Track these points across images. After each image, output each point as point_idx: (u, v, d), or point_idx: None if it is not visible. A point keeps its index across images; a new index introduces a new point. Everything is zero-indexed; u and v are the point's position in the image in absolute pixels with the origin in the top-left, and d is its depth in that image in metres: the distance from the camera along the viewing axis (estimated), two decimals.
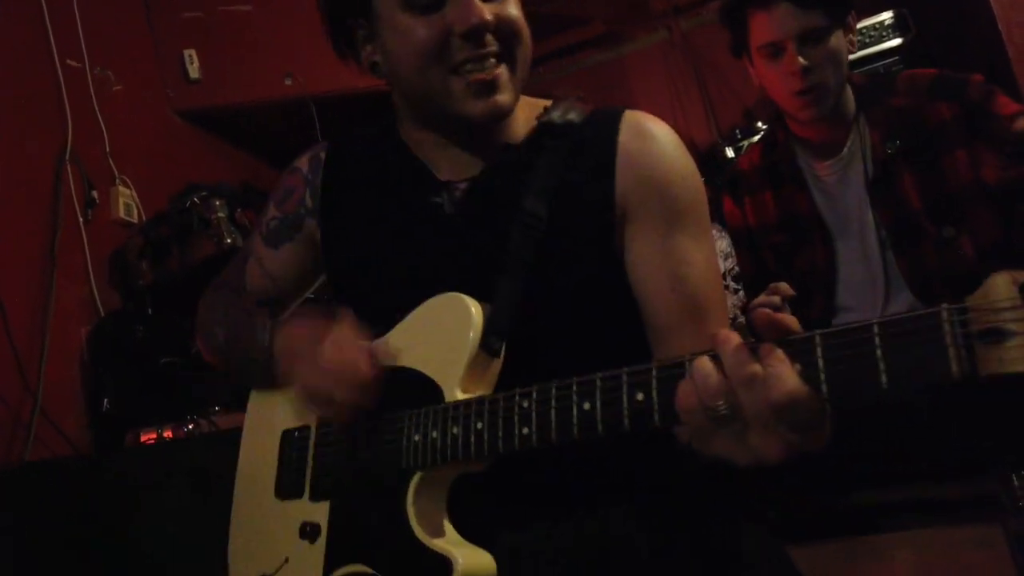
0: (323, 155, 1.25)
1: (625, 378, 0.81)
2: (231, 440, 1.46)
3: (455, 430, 0.94)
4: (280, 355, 1.11)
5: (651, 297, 1.05)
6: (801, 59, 1.65)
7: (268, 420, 1.21)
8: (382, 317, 1.08)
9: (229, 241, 2.30)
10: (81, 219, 2.40)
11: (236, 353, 1.22)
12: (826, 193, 1.80)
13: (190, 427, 1.86)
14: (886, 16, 2.75)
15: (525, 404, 0.88)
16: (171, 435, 1.84)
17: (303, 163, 1.26)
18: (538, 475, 0.98)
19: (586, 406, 0.83)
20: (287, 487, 1.14)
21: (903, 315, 0.65)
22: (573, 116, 1.12)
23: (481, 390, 0.98)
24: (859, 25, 2.77)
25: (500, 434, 0.90)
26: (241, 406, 1.95)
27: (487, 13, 1.01)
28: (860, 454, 1.35)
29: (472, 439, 0.92)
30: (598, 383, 0.83)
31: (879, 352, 0.65)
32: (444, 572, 0.91)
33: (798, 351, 0.70)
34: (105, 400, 2.13)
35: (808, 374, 0.69)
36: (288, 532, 1.10)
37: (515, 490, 0.99)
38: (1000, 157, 1.63)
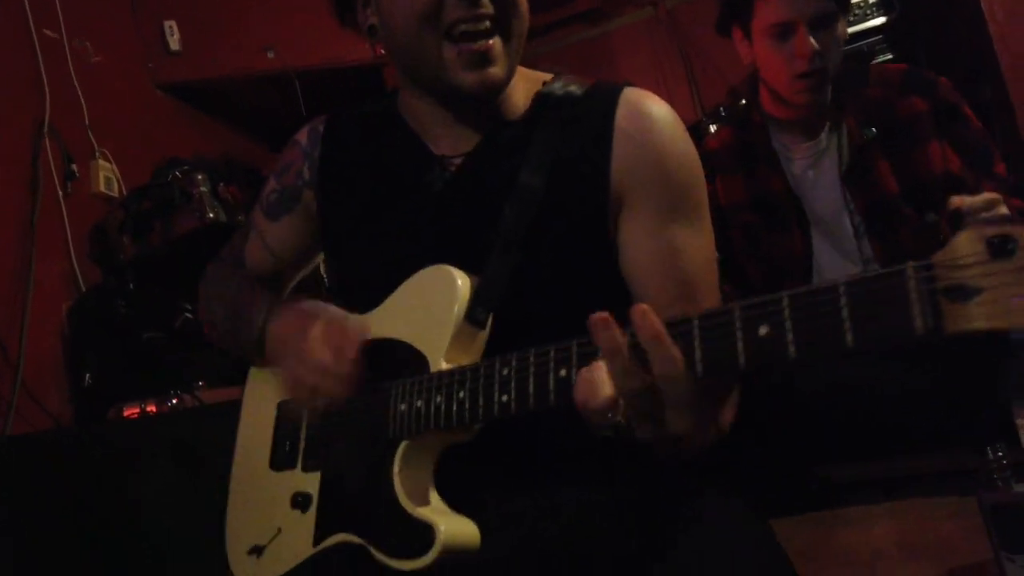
0: (322, 128, 1.24)
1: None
2: (215, 414, 1.46)
3: (438, 399, 0.94)
4: (271, 341, 1.12)
5: (643, 279, 1.04)
6: (813, 42, 1.64)
7: (265, 393, 1.22)
8: (374, 291, 1.08)
9: (211, 215, 2.28)
10: (61, 193, 2.37)
11: (233, 331, 1.23)
12: (800, 178, 1.80)
13: (174, 402, 1.85)
14: None
15: (505, 372, 0.88)
16: (154, 410, 1.84)
17: (302, 136, 1.26)
18: (524, 445, 0.98)
19: (562, 372, 0.83)
20: (281, 458, 1.16)
21: (869, 275, 0.64)
22: (574, 88, 1.10)
23: (466, 360, 0.98)
24: None
25: (481, 402, 0.90)
26: (225, 382, 1.95)
27: None
28: (839, 433, 1.38)
29: (455, 408, 0.92)
30: (574, 349, 0.83)
31: (845, 312, 0.64)
32: (428, 540, 0.92)
33: (768, 312, 0.69)
34: (87, 375, 2.12)
35: (775, 335, 0.68)
36: (281, 503, 1.11)
37: (503, 460, 1.00)
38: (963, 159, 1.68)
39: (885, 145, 1.72)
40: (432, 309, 1.00)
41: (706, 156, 1.92)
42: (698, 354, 0.73)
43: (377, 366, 1.04)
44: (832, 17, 1.67)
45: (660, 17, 3.68)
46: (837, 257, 1.77)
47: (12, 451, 1.84)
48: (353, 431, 1.06)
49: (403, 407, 0.98)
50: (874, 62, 1.96)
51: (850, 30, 2.74)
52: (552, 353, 0.85)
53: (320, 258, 1.32)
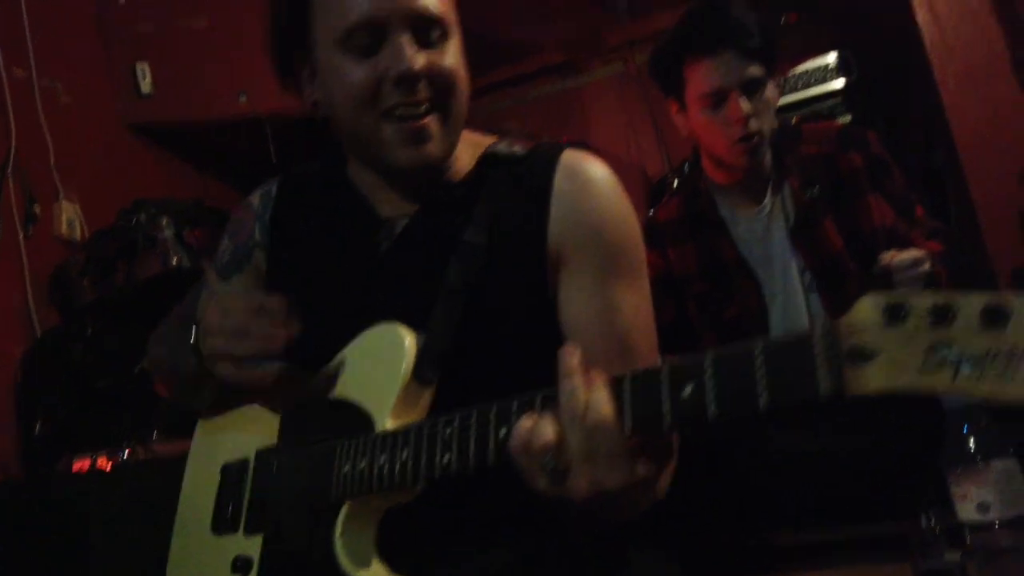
0: (274, 190, 1.27)
1: (539, 403, 0.82)
2: (168, 468, 1.43)
3: (382, 459, 0.93)
4: (200, 331, 1.08)
5: (581, 337, 1.05)
6: (745, 106, 1.69)
7: (210, 454, 1.21)
8: (321, 351, 1.08)
9: (175, 261, 2.27)
10: (21, 234, 2.34)
11: (172, 358, 1.20)
12: (749, 241, 1.84)
13: (127, 453, 1.82)
14: (830, 58, 2.85)
15: (447, 431, 0.88)
16: (106, 462, 1.80)
17: (255, 198, 1.28)
18: (466, 507, 0.99)
19: (502, 432, 0.83)
20: (223, 522, 1.13)
21: (783, 337, 0.68)
22: (516, 150, 1.14)
23: (412, 418, 0.98)
24: (804, 67, 2.87)
25: (423, 462, 0.89)
26: (179, 432, 1.91)
27: (419, 61, 1.02)
28: (774, 499, 1.39)
29: (397, 468, 0.92)
30: (514, 408, 0.83)
31: (760, 373, 0.67)
32: None
33: (693, 372, 0.72)
34: (38, 423, 2.07)
35: (698, 395, 0.71)
36: (222, 567, 1.09)
37: (445, 523, 1.00)
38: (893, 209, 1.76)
39: (829, 201, 1.77)
40: (379, 367, 1.00)
41: (656, 227, 1.96)
42: (627, 410, 0.75)
43: (323, 426, 1.03)
44: (761, 81, 1.72)
45: (630, 72, 3.77)
46: (788, 315, 1.80)
47: None
48: (296, 492, 1.04)
49: (347, 468, 0.97)
50: (806, 124, 2.03)
51: (810, 92, 2.85)
52: (493, 412, 0.85)
53: None
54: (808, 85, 2.85)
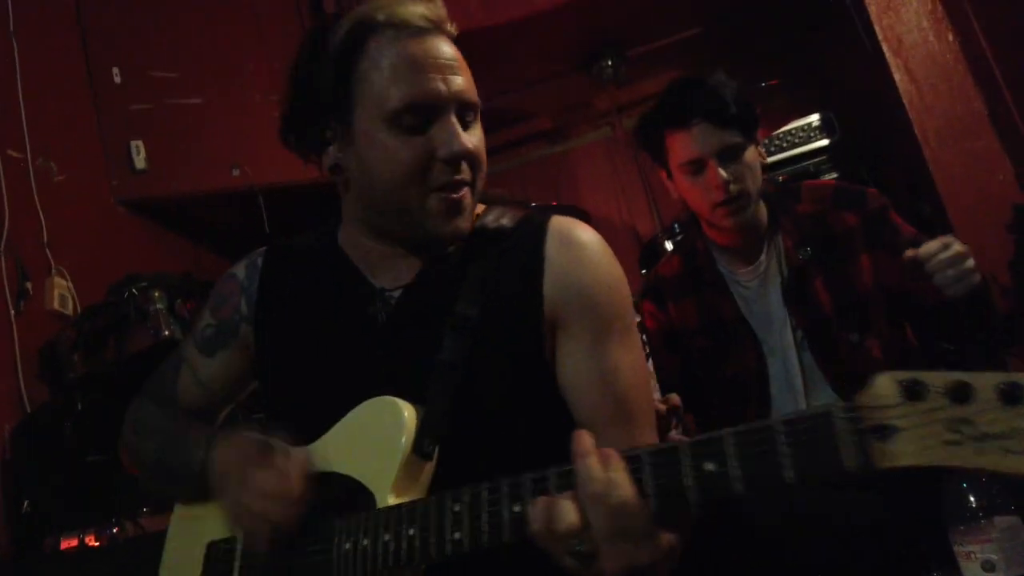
0: (260, 261, 1.26)
1: (552, 479, 0.80)
2: (157, 544, 1.39)
3: (386, 537, 0.91)
4: (213, 471, 1.08)
5: (581, 402, 1.06)
6: (723, 173, 1.72)
7: (193, 530, 1.17)
8: (315, 424, 1.07)
9: (167, 333, 2.25)
10: (12, 311, 2.34)
11: (166, 466, 1.19)
12: (748, 298, 1.85)
13: (115, 531, 1.77)
14: (814, 118, 2.91)
15: (456, 508, 0.86)
16: (94, 540, 1.75)
17: (240, 269, 1.27)
18: None
19: (516, 508, 0.82)
20: None
21: (799, 416, 0.69)
22: (505, 221, 1.15)
23: (414, 494, 0.96)
24: (788, 126, 2.94)
25: (432, 540, 0.87)
26: (168, 508, 1.87)
27: (467, 143, 1.06)
28: (782, 560, 1.35)
29: (404, 546, 0.89)
30: (528, 484, 0.82)
31: (784, 450, 0.69)
32: None
33: (710, 451, 0.72)
34: (26, 501, 2.03)
35: (718, 471, 0.71)
36: None
37: None
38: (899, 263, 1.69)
39: (821, 263, 1.77)
40: (377, 441, 0.98)
41: (659, 283, 1.98)
42: (651, 488, 0.75)
43: (319, 502, 1.00)
44: (739, 148, 1.75)
45: (618, 136, 3.84)
46: (783, 372, 1.79)
47: None
48: (292, 572, 1.00)
49: (348, 546, 0.95)
50: (807, 181, 2.03)
51: (796, 151, 2.90)
52: (505, 488, 0.83)
53: (250, 389, 1.30)
54: (794, 145, 2.90)
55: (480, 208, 1.18)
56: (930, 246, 1.48)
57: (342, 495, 0.99)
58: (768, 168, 1.93)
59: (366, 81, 1.06)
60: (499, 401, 1.06)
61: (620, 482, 0.75)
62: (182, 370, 1.27)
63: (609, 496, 0.75)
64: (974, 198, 2.37)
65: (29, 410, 2.25)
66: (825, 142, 2.87)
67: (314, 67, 1.10)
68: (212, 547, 1.13)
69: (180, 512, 1.22)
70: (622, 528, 0.75)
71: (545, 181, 4.05)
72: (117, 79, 3.01)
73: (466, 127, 1.08)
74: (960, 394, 0.61)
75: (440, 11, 1.11)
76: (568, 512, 0.76)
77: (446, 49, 1.08)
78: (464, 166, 1.07)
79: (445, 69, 1.06)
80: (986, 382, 0.61)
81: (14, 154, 2.53)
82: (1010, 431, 0.59)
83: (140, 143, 2.97)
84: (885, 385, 0.65)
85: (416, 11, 1.08)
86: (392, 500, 0.94)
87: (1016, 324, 2.10)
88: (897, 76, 2.47)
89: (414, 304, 1.12)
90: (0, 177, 2.44)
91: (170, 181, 2.99)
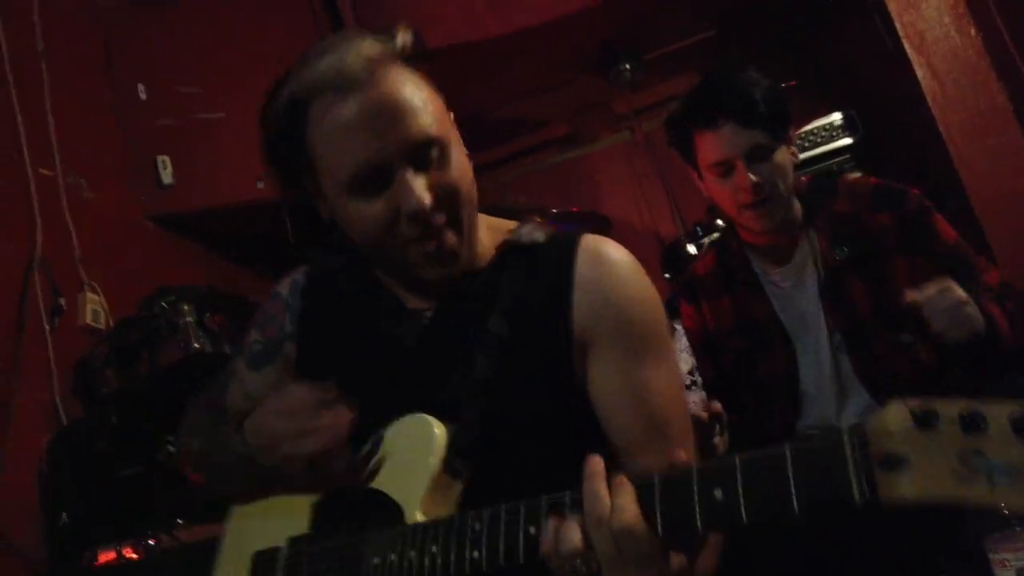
0: (302, 280, 1.28)
1: (568, 501, 0.81)
2: (196, 554, 1.42)
3: (411, 553, 0.93)
4: (250, 425, 1.10)
5: (614, 421, 1.06)
6: (751, 175, 1.70)
7: (242, 540, 1.20)
8: (351, 441, 1.07)
9: (197, 346, 2.29)
10: (47, 327, 2.38)
11: (217, 462, 1.21)
12: (782, 298, 1.83)
13: (151, 543, 1.80)
14: (836, 117, 2.90)
15: (477, 527, 0.88)
16: (131, 552, 1.78)
17: (284, 287, 1.29)
18: None
19: (531, 530, 0.82)
20: None
21: (811, 441, 0.67)
22: (537, 236, 1.15)
23: (444, 511, 0.98)
24: (810, 126, 2.92)
25: (452, 558, 0.89)
26: (203, 519, 1.90)
27: (427, 197, 1.01)
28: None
29: (427, 563, 0.91)
30: (543, 505, 0.83)
31: (791, 480, 0.67)
32: None
33: (722, 475, 0.72)
34: (63, 514, 2.06)
35: (725, 500, 0.71)
36: None
37: None
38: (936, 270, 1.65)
39: (857, 264, 1.75)
40: (409, 458, 1.01)
41: (692, 282, 1.97)
42: (658, 513, 0.75)
43: (354, 515, 1.03)
44: (768, 148, 1.72)
45: (637, 140, 3.83)
46: (818, 374, 1.78)
47: None
48: None
49: (376, 561, 0.97)
50: (845, 176, 2.00)
51: (819, 150, 2.88)
52: (523, 509, 0.84)
53: None
54: (816, 144, 2.89)
55: (511, 224, 1.18)
56: (928, 291, 1.46)
57: (374, 509, 1.01)
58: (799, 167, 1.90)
59: (316, 152, 1.04)
60: (529, 419, 1.06)
61: (625, 507, 0.75)
62: (232, 383, 1.30)
63: (613, 521, 0.75)
64: (999, 193, 2.35)
65: (65, 424, 2.29)
66: (848, 140, 2.86)
67: (271, 135, 1.10)
68: (257, 557, 1.15)
69: (233, 518, 1.25)
70: (626, 552, 0.75)
71: (564, 186, 4.05)
72: (142, 95, 3.06)
73: (428, 166, 1.03)
74: (973, 423, 0.58)
75: (377, 47, 1.03)
76: (573, 533, 0.77)
77: (384, 98, 1.01)
78: (433, 215, 1.03)
79: (383, 123, 1.00)
80: (1000, 411, 0.58)
81: (45, 172, 2.58)
82: (1021, 464, 0.56)
83: (166, 158, 3.01)
84: (896, 413, 0.62)
85: (347, 62, 1.01)
86: (420, 517, 0.96)
87: None
88: (919, 73, 2.46)
89: (446, 323, 1.13)
90: (32, 195, 2.48)
91: (196, 195, 3.03)
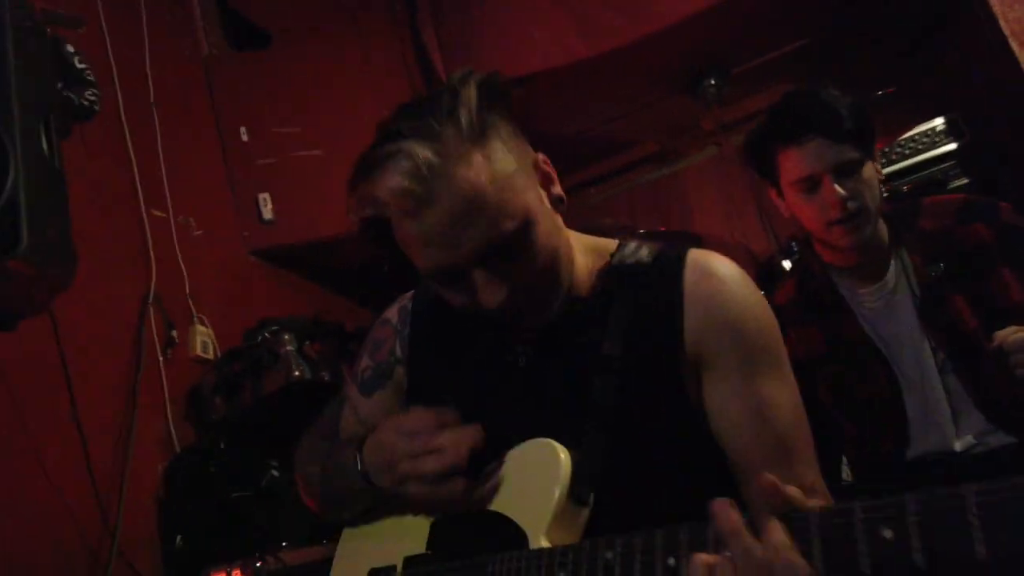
0: (410, 306, 1.30)
1: (710, 536, 0.77)
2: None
3: None
4: (367, 449, 1.12)
5: (735, 442, 1.03)
6: (840, 190, 1.64)
7: (355, 560, 1.21)
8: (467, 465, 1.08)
9: (297, 374, 2.38)
10: (161, 358, 2.52)
11: (331, 487, 1.24)
12: (872, 319, 1.75)
13: (259, 564, 1.86)
14: (938, 122, 2.76)
15: (608, 555, 0.85)
16: (240, 574, 1.85)
17: (393, 314, 1.32)
18: None
19: (671, 561, 0.79)
20: None
21: (1000, 483, 0.62)
22: (641, 256, 1.13)
23: (568, 538, 0.96)
24: (911, 132, 2.79)
25: None
26: (307, 542, 1.96)
27: (499, 298, 1.00)
28: None
29: None
30: (683, 537, 0.79)
31: (975, 522, 0.61)
32: None
33: (890, 516, 0.66)
34: (178, 537, 2.17)
35: (900, 543, 0.65)
36: None
37: None
38: None
39: (954, 279, 1.66)
40: (534, 484, 1.00)
41: (776, 311, 1.89)
42: (817, 555, 0.70)
43: (473, 538, 1.03)
44: (856, 163, 1.66)
45: (725, 155, 3.77)
46: (923, 397, 1.68)
47: None
48: None
49: None
50: (926, 197, 1.89)
51: (920, 157, 2.75)
52: (659, 539, 0.81)
53: None
54: (917, 152, 2.75)
55: (611, 246, 1.17)
56: (1017, 339, 1.42)
57: (496, 533, 1.00)
58: (887, 181, 1.82)
59: (408, 252, 1.06)
60: (650, 443, 1.04)
61: (784, 553, 0.70)
62: (344, 409, 1.33)
63: (773, 570, 0.70)
64: None
65: (178, 450, 2.42)
66: (953, 146, 2.70)
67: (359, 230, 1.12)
68: (373, 574, 1.16)
69: (345, 541, 1.27)
70: None
71: (655, 205, 4.01)
72: (244, 137, 3.24)
73: (502, 262, 1.00)
74: None
75: (427, 152, 0.96)
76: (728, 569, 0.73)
77: (448, 208, 0.96)
78: (508, 308, 1.02)
79: (451, 236, 0.98)
80: None
81: (158, 214, 2.75)
82: None
83: (267, 195, 3.16)
84: None
85: (402, 184, 0.97)
86: (545, 543, 0.95)
87: None
88: None
89: (555, 346, 1.12)
90: (147, 235, 2.65)
91: (296, 230, 3.17)
